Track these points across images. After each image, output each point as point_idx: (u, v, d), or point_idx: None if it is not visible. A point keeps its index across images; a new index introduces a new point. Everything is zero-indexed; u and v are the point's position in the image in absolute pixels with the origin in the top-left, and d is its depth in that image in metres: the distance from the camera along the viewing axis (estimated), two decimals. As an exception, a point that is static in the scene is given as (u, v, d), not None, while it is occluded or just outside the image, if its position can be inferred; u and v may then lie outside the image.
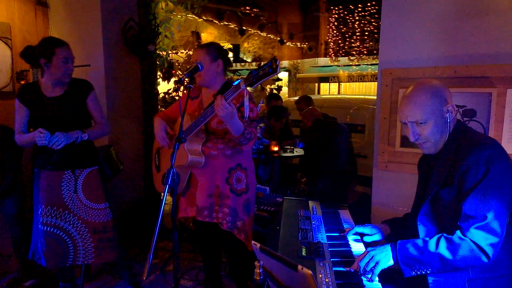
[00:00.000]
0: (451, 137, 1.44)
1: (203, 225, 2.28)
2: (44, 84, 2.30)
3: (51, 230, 2.31)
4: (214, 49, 2.14)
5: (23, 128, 2.30)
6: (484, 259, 1.27)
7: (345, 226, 1.82)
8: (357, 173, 4.52)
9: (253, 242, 1.16)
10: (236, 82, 1.79)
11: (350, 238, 1.67)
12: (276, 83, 7.12)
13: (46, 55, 2.21)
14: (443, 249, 1.30)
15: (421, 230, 1.46)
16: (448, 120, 1.42)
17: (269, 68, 1.65)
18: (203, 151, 2.11)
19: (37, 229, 2.34)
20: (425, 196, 1.48)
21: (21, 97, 2.29)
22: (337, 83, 13.74)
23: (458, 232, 1.31)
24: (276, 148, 4.21)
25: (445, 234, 1.34)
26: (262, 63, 1.74)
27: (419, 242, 1.36)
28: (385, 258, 1.36)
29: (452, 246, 1.29)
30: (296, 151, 4.34)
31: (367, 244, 1.64)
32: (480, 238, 1.27)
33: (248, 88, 1.73)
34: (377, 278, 1.35)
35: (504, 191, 1.29)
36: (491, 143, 1.34)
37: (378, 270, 1.35)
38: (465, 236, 1.29)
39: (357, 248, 1.59)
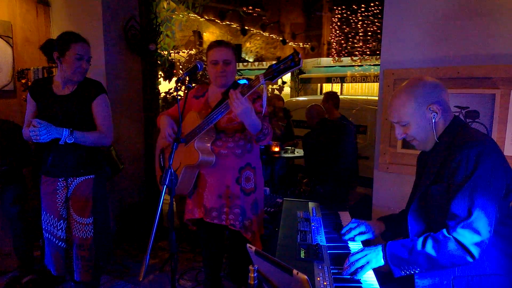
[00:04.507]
0: (445, 134, 1.42)
1: (207, 227, 2.25)
2: (55, 81, 2.21)
3: (52, 238, 2.28)
4: (235, 49, 2.16)
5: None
6: (469, 258, 1.25)
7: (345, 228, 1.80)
8: (359, 175, 4.49)
9: (248, 245, 1.15)
10: (242, 82, 1.76)
11: (347, 237, 1.64)
12: (279, 83, 7.10)
13: (60, 49, 2.11)
14: (429, 248, 1.29)
15: (412, 226, 1.46)
16: (433, 121, 1.39)
17: (291, 62, 1.60)
18: (213, 150, 2.07)
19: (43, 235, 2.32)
20: (417, 192, 1.47)
21: (32, 91, 2.22)
22: (339, 84, 13.71)
23: (444, 231, 1.30)
24: (277, 149, 4.19)
25: (432, 234, 1.33)
26: (281, 58, 1.68)
27: (407, 242, 1.35)
28: (376, 258, 1.36)
29: (438, 245, 1.28)
30: (297, 152, 4.32)
31: (364, 245, 1.62)
32: (465, 237, 1.26)
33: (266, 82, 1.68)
34: (375, 280, 1.32)
35: (494, 189, 1.27)
36: (483, 140, 1.32)
37: (366, 269, 1.33)
38: (451, 235, 1.28)
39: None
